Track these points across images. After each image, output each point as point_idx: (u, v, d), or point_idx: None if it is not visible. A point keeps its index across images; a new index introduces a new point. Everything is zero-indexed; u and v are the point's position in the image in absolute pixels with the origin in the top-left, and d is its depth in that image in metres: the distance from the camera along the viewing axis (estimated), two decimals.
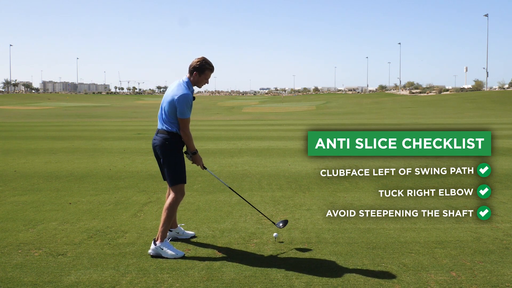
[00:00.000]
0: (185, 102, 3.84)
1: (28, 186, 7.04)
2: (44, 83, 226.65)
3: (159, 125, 4.03)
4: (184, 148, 4.13)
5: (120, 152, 11.67)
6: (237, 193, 4.71)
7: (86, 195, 6.34)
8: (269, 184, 7.11)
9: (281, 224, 4.38)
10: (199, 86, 4.02)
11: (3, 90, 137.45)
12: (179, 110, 3.85)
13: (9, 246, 4.09)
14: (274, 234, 4.28)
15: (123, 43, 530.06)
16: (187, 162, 4.24)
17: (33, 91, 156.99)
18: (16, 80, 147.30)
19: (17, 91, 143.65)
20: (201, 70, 3.94)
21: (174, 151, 3.94)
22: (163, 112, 3.98)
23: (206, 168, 4.31)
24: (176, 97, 3.85)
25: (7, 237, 4.36)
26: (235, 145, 13.44)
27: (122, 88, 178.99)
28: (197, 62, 3.94)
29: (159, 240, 3.85)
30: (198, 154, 4.12)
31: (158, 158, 4.07)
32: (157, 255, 3.82)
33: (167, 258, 3.78)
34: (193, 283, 3.29)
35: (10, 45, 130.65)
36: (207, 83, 4.07)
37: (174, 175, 3.93)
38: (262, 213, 4.72)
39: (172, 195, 3.95)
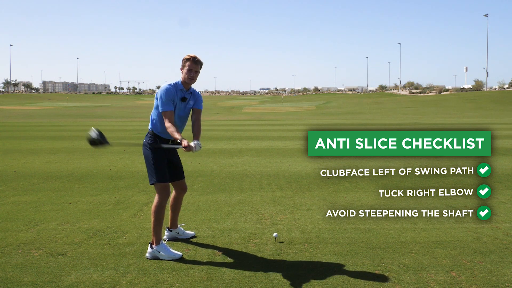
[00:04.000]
0: (161, 95, 3.85)
1: (28, 186, 7.04)
2: (44, 83, 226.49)
3: None
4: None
5: (120, 152, 11.66)
6: None
7: (86, 195, 6.34)
8: (269, 184, 7.10)
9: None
10: (188, 81, 3.90)
11: (3, 90, 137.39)
12: (156, 104, 3.92)
13: (9, 246, 4.09)
14: (274, 234, 4.27)
15: (123, 43, 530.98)
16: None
17: (33, 91, 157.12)
18: (16, 80, 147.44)
19: (17, 91, 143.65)
20: (182, 64, 3.93)
21: (150, 149, 3.96)
22: None
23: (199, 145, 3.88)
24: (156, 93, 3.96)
25: (7, 237, 4.36)
26: (235, 145, 13.44)
27: (122, 88, 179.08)
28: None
29: (154, 244, 3.85)
30: (186, 140, 3.74)
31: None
32: (154, 258, 3.80)
33: (165, 260, 3.78)
34: (193, 283, 3.29)
35: (10, 45, 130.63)
36: (195, 74, 3.89)
37: (150, 172, 3.94)
38: None
39: (155, 196, 3.94)
